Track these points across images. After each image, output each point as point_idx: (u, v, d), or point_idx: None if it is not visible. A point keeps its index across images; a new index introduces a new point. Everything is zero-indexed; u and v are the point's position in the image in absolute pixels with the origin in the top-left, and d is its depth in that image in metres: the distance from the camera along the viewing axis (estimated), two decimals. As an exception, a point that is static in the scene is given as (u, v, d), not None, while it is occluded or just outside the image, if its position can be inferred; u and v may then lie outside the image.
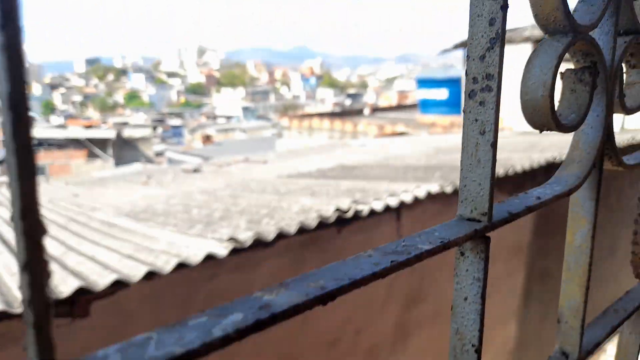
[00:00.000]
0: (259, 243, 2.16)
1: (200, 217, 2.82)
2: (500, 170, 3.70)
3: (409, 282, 3.63)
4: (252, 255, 2.28)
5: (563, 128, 0.50)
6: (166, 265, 1.76)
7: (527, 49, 8.77)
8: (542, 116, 0.47)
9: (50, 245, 2.47)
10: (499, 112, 0.42)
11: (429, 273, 3.71)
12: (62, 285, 1.66)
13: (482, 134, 0.43)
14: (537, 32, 7.90)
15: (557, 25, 0.46)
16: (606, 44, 0.54)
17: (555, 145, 5.44)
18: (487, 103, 0.42)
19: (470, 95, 0.43)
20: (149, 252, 1.98)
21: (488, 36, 0.41)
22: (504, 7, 0.40)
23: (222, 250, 1.90)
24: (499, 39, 0.40)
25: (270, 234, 2.14)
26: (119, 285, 1.72)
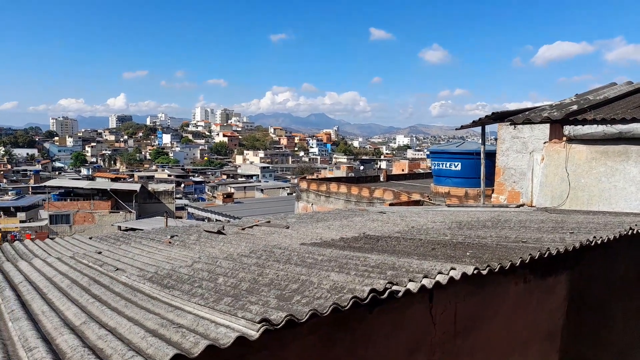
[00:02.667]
0: (289, 322, 2.04)
1: (226, 287, 2.71)
2: (536, 253, 3.54)
3: None
4: (281, 334, 2.14)
5: None
6: (194, 347, 1.65)
7: (544, 128, 8.80)
8: None
9: (70, 311, 2.38)
10: None
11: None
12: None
13: None
14: (556, 113, 7.94)
15: None
16: None
17: (584, 225, 5.25)
18: None
19: None
20: (175, 329, 1.87)
21: None
22: None
23: (253, 332, 1.78)
24: None
25: (303, 314, 2.02)
26: (143, 365, 1.61)
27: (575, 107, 7.92)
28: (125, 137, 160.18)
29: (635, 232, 4.74)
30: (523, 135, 10.29)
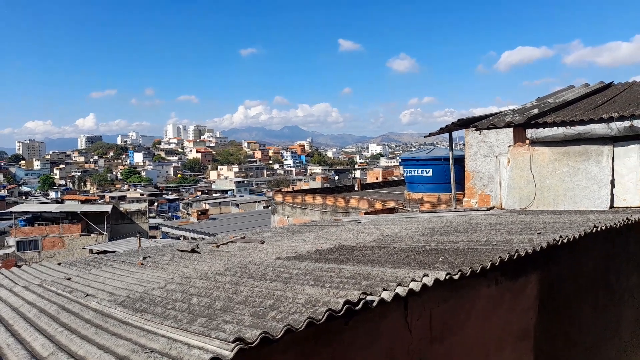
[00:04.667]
0: (264, 340, 2.04)
1: (200, 307, 2.69)
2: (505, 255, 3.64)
3: None
4: (257, 352, 2.14)
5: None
6: (167, 370, 1.63)
7: (508, 132, 9.07)
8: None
9: (37, 342, 2.32)
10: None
11: None
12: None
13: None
14: (518, 117, 8.20)
15: None
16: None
17: (550, 225, 5.42)
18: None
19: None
20: (147, 355, 1.85)
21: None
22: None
23: (227, 352, 1.78)
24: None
25: (278, 330, 2.02)
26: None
27: (536, 111, 8.20)
28: (95, 157, 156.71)
29: (599, 229, 4.92)
30: (489, 139, 10.57)
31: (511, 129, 8.62)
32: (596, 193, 7.50)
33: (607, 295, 5.97)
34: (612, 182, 7.47)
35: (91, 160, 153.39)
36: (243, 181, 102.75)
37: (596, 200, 7.48)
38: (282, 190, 27.53)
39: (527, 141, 8.21)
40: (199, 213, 51.33)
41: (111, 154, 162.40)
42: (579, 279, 5.36)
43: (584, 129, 7.45)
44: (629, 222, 5.61)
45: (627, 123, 7.12)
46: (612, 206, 7.41)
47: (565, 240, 4.24)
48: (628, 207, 7.29)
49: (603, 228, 4.96)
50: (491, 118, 8.73)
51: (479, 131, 9.50)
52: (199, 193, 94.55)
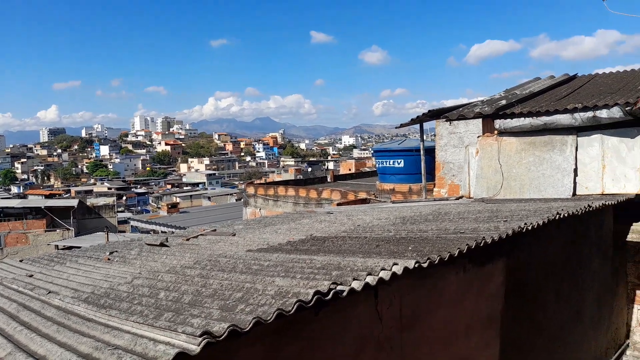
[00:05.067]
0: (233, 333, 2.01)
1: (168, 302, 2.63)
2: (472, 243, 3.71)
3: None
4: (225, 346, 2.10)
5: None
6: (131, 367, 1.58)
7: (478, 123, 9.25)
8: None
9: (-3, 341, 2.22)
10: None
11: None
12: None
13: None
14: (487, 108, 8.36)
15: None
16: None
17: (516, 213, 5.56)
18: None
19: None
20: (110, 352, 1.79)
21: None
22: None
23: (194, 347, 1.74)
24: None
25: (246, 323, 2.00)
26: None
27: (504, 102, 8.37)
28: (59, 150, 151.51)
29: (562, 216, 5.07)
30: (459, 130, 10.74)
31: (480, 120, 8.78)
32: (560, 182, 7.74)
33: (571, 281, 6.18)
34: (575, 170, 7.72)
35: (54, 153, 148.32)
36: (214, 174, 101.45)
37: (560, 189, 7.72)
38: (255, 182, 27.33)
39: (496, 132, 8.38)
40: (169, 206, 50.47)
41: (76, 147, 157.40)
42: (544, 265, 5.52)
43: (549, 120, 7.65)
44: (590, 209, 5.81)
45: (590, 114, 7.35)
46: (575, 194, 7.66)
47: (529, 228, 4.35)
48: (590, 195, 7.55)
49: (565, 215, 5.11)
50: (461, 109, 8.86)
51: (449, 122, 9.64)
52: (169, 186, 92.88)
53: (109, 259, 5.14)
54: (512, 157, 8.12)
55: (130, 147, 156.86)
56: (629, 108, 6.90)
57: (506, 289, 4.72)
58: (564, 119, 7.55)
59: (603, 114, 7.16)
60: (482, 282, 4.40)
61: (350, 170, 38.47)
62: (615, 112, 7.02)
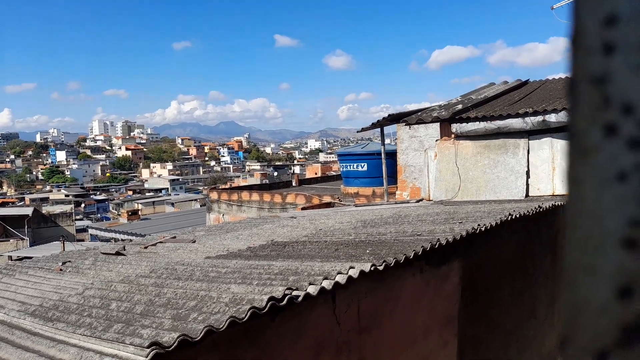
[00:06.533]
0: (185, 343, 1.99)
1: (119, 313, 2.57)
2: (427, 245, 3.80)
3: None
4: (176, 357, 2.07)
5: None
6: (73, 382, 1.54)
7: (435, 127, 9.50)
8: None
9: None
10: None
11: (367, 354, 3.60)
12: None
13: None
14: (444, 112, 8.60)
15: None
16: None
17: (471, 215, 5.75)
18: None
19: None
20: (53, 366, 1.73)
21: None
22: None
23: (142, 358, 1.71)
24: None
25: (197, 332, 1.97)
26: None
27: (460, 107, 8.63)
28: (12, 156, 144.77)
29: (514, 217, 5.27)
30: (419, 134, 10.98)
31: (438, 124, 9.01)
32: (513, 183, 8.03)
33: (524, 279, 6.43)
34: (528, 172, 8.04)
35: (7, 159, 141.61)
36: (178, 179, 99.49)
37: (513, 190, 8.02)
38: (218, 187, 26.96)
39: (453, 135, 8.62)
40: (130, 213, 49.02)
41: (30, 152, 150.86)
42: (498, 265, 5.71)
43: (503, 124, 7.94)
44: (541, 210, 6.06)
45: (540, 118, 7.68)
46: (527, 195, 7.97)
47: (483, 229, 4.50)
48: (541, 196, 7.88)
49: (517, 216, 5.31)
50: (420, 113, 9.07)
51: (408, 126, 9.84)
52: (130, 192, 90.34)
53: (61, 270, 4.96)
54: (469, 160, 8.38)
55: (88, 152, 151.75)
56: None
57: (462, 288, 4.86)
58: (516, 123, 7.86)
59: (552, 118, 7.50)
60: (439, 283, 4.51)
61: (316, 174, 38.53)
62: (563, 116, 7.37)
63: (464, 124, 8.25)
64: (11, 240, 36.07)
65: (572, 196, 0.27)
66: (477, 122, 8.09)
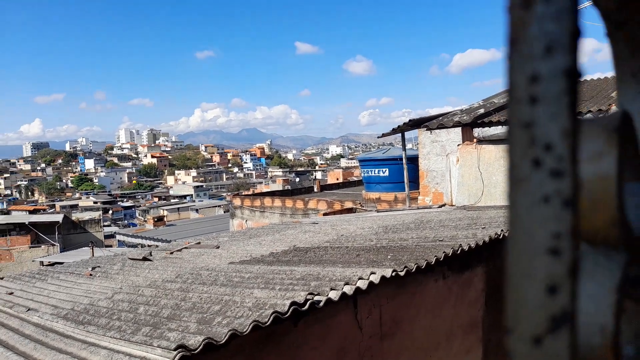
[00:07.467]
0: (210, 346, 2.05)
1: (146, 317, 2.65)
2: (449, 250, 3.79)
3: None
4: (202, 359, 2.14)
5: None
6: (105, 382, 1.61)
7: (457, 131, 9.43)
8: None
9: (-27, 360, 2.23)
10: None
11: None
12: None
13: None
14: (465, 117, 8.52)
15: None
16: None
17: (495, 220, 5.68)
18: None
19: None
20: (86, 367, 1.81)
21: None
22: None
23: (168, 360, 1.77)
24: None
25: (222, 335, 2.03)
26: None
27: (482, 111, 8.55)
28: (43, 165, 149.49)
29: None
30: (441, 139, 10.90)
31: (460, 129, 8.94)
32: (539, 188, 7.90)
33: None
34: (553, 177, 7.89)
35: (38, 168, 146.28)
36: (202, 186, 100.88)
37: (539, 195, 7.88)
38: (241, 194, 27.26)
39: (475, 140, 8.54)
40: (155, 220, 49.93)
41: (60, 161, 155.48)
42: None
43: (526, 127, 7.83)
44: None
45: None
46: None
47: (506, 234, 4.45)
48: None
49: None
50: (441, 118, 9.02)
51: (430, 131, 9.80)
52: (156, 199, 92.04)
53: (91, 275, 5.12)
54: (492, 164, 8.28)
55: (115, 160, 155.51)
56: (601, 115, 7.09)
57: (487, 294, 4.81)
58: (540, 126, 7.73)
59: (578, 121, 7.36)
60: (462, 289, 4.48)
61: (337, 179, 38.55)
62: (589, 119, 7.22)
63: (486, 129, 8.17)
64: (42, 246, 37.19)
65: (510, 215, 0.35)
66: (500, 126, 8.00)
